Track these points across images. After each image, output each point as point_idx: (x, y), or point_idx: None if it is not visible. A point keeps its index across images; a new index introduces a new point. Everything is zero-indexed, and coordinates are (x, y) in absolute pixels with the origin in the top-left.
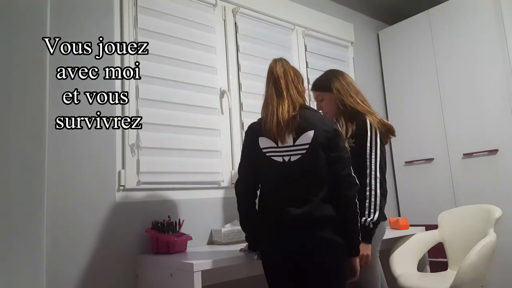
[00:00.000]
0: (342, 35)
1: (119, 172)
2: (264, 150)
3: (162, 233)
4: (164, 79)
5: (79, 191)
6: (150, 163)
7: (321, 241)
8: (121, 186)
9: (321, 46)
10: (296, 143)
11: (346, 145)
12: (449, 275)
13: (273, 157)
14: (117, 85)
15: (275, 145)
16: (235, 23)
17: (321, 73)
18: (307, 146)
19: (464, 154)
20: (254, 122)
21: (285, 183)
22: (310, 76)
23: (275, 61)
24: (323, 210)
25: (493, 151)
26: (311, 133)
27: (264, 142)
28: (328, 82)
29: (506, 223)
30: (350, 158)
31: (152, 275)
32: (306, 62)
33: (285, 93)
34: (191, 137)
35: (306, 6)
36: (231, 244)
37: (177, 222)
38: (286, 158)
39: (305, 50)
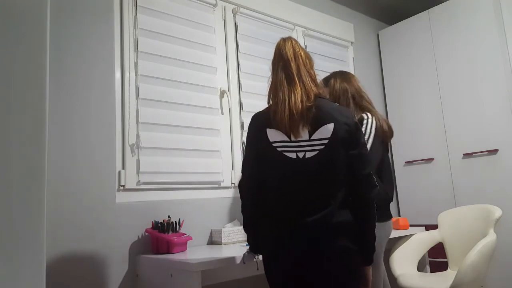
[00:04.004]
0: (342, 35)
1: (119, 172)
2: (274, 144)
3: (162, 233)
4: (164, 79)
5: (79, 191)
6: (150, 163)
7: (340, 250)
8: (121, 186)
9: (321, 46)
10: (312, 138)
11: None
12: (449, 275)
13: (285, 153)
14: (117, 84)
15: (288, 139)
16: (235, 23)
17: (321, 73)
18: (325, 142)
19: (464, 154)
20: (259, 112)
21: (299, 183)
22: None
23: (284, 40)
24: (342, 215)
25: (493, 151)
26: (330, 126)
27: (274, 135)
28: (327, 79)
29: (506, 223)
30: (369, 156)
31: (152, 275)
32: None
33: (297, 79)
34: (191, 137)
35: (306, 6)
36: (231, 244)
37: (177, 222)
38: (301, 155)
39: (305, 50)
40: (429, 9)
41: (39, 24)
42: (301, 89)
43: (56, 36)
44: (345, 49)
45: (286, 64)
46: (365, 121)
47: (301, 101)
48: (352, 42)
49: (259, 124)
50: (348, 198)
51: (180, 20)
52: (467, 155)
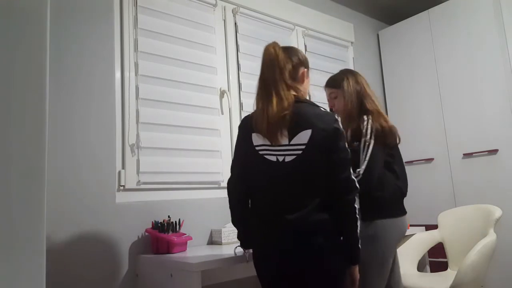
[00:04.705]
0: (342, 35)
1: (119, 172)
2: (257, 148)
3: (162, 233)
4: (164, 79)
5: (79, 191)
6: (150, 163)
7: (318, 249)
8: (121, 186)
9: (321, 46)
10: (291, 143)
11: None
12: (449, 275)
13: (266, 156)
14: (117, 84)
15: (269, 143)
16: (235, 23)
17: (321, 73)
18: (303, 147)
19: (464, 154)
20: (248, 116)
21: (278, 185)
22: (310, 76)
23: (266, 47)
24: (319, 215)
25: (493, 151)
26: (308, 132)
27: (257, 139)
28: (340, 79)
29: (506, 223)
30: (350, 160)
31: (152, 275)
32: None
33: (272, 90)
34: (191, 137)
35: (306, 6)
36: (231, 244)
37: (177, 222)
38: (280, 158)
39: (305, 50)
40: (429, 9)
41: (39, 24)
42: (276, 98)
43: (56, 36)
44: (345, 49)
45: (263, 72)
46: (364, 124)
47: (277, 111)
48: (352, 42)
49: (247, 127)
50: (327, 201)
51: (180, 20)
52: (467, 155)
